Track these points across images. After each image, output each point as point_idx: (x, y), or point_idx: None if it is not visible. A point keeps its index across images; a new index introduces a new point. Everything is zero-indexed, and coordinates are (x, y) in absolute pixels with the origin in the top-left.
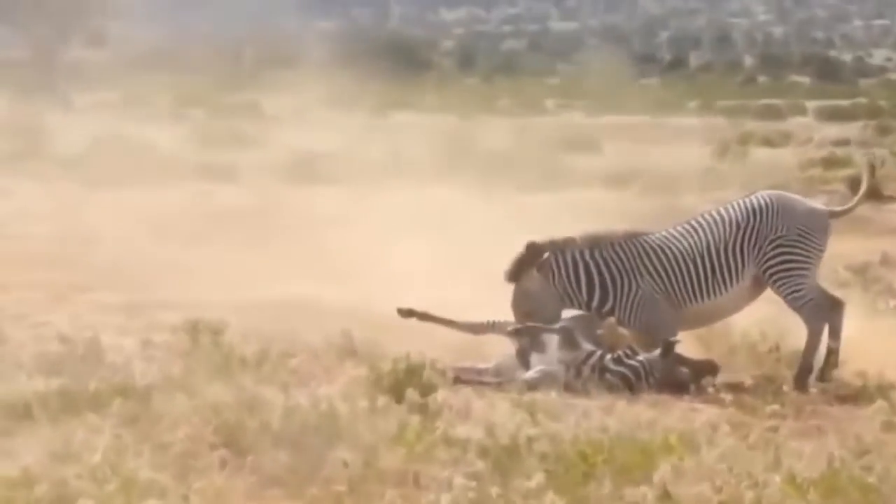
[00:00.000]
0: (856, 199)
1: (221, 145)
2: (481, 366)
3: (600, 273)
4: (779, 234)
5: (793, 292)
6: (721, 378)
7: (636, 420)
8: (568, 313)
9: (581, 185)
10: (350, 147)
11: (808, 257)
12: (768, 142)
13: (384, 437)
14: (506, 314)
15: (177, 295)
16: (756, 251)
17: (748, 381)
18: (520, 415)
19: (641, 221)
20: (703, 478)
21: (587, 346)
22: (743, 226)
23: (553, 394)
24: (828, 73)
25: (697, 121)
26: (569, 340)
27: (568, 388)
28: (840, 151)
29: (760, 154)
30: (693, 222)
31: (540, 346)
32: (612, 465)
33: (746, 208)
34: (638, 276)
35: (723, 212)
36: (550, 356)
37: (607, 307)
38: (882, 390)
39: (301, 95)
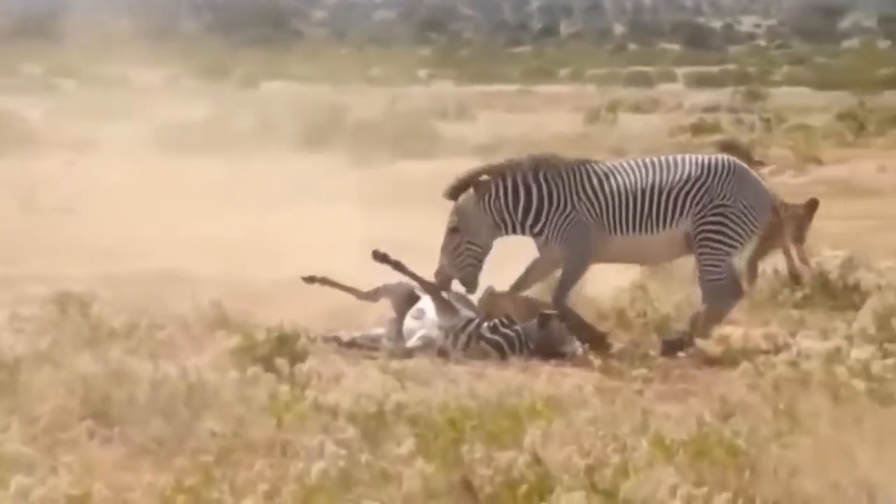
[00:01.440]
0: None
1: (92, 117)
2: (375, 331)
3: (539, 194)
4: (724, 200)
5: (710, 265)
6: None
7: (506, 385)
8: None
9: (454, 154)
10: (221, 117)
11: (742, 235)
12: (638, 108)
13: (254, 406)
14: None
15: (45, 267)
16: (698, 208)
17: (616, 346)
18: (389, 382)
19: None
20: (571, 441)
21: (466, 313)
22: (694, 178)
23: (423, 361)
24: (697, 40)
25: (568, 88)
26: (447, 307)
27: (441, 354)
28: (709, 117)
29: (630, 121)
30: (647, 160)
31: (419, 313)
32: (481, 431)
33: (703, 164)
34: (575, 199)
35: (680, 160)
36: (430, 322)
37: (538, 227)
38: (746, 353)
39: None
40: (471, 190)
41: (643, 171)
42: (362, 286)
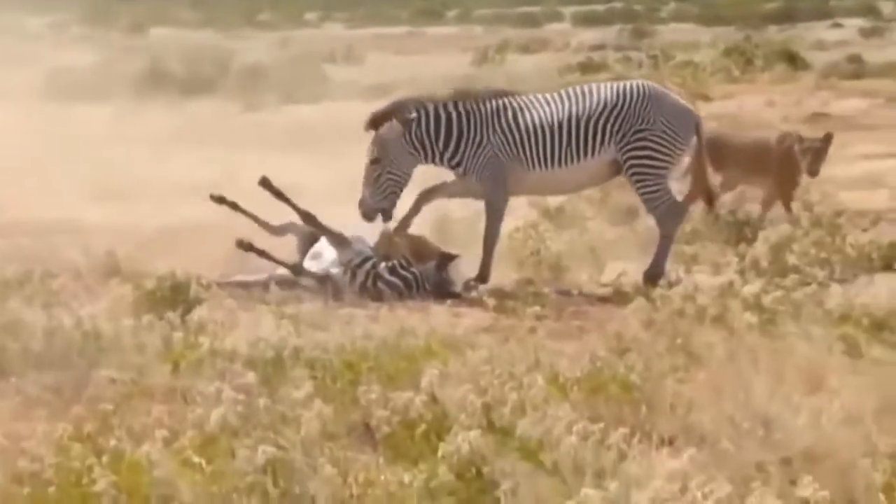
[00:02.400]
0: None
1: None
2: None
3: (459, 126)
4: (645, 125)
5: (650, 192)
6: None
7: (401, 327)
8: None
9: (344, 97)
10: (109, 64)
11: (670, 156)
12: (526, 49)
13: (150, 354)
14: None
15: None
16: (619, 136)
17: (510, 285)
18: (285, 326)
19: None
20: (467, 381)
21: (359, 248)
22: (610, 105)
23: (318, 304)
24: None
25: (456, 30)
26: (339, 239)
27: (336, 295)
28: (597, 56)
29: (519, 61)
30: (563, 92)
31: (316, 255)
32: (378, 372)
33: (618, 90)
34: (490, 133)
35: (594, 88)
36: (328, 262)
37: (456, 160)
38: (640, 289)
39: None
40: (392, 121)
41: (559, 102)
42: (253, 232)
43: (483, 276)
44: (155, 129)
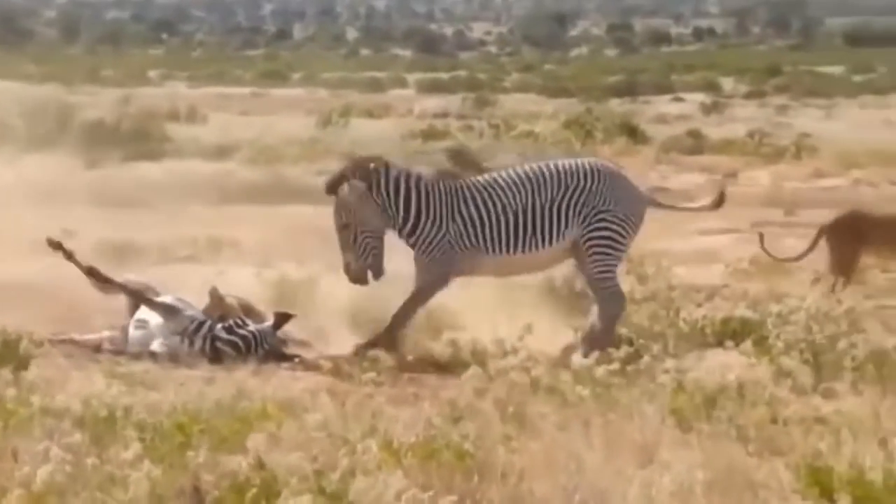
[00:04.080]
0: (697, 204)
1: None
2: (105, 334)
3: (418, 203)
4: (606, 207)
5: (604, 272)
6: (322, 347)
7: (237, 389)
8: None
9: (185, 156)
10: None
11: (625, 240)
12: (370, 113)
13: None
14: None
15: None
16: (581, 217)
17: (347, 350)
18: (117, 386)
19: (246, 191)
20: (300, 445)
21: (191, 313)
22: (573, 187)
23: (152, 365)
24: (429, 46)
25: (301, 92)
26: (171, 311)
27: (174, 358)
28: (439, 123)
29: (362, 125)
30: (521, 173)
31: (141, 323)
32: (210, 435)
33: (578, 171)
34: (449, 220)
35: (553, 169)
36: (157, 329)
37: (412, 240)
38: (476, 356)
39: None
40: (352, 182)
41: (521, 186)
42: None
43: (378, 342)
44: None
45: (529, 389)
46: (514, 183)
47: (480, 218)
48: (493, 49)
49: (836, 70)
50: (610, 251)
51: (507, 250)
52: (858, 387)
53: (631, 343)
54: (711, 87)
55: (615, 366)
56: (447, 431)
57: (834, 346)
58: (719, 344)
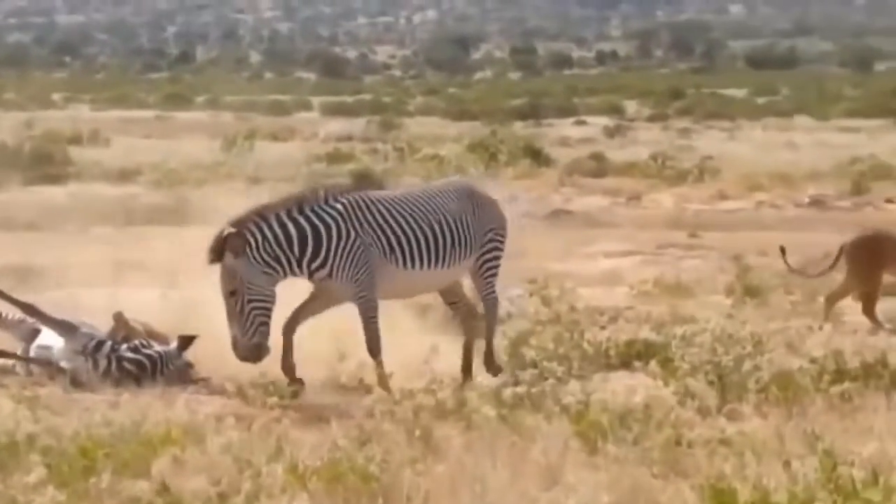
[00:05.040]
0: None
1: None
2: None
3: (314, 228)
4: (492, 225)
5: (491, 287)
6: (227, 371)
7: (141, 413)
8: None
9: (89, 179)
10: None
11: (502, 251)
12: (275, 137)
13: None
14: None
15: None
16: (479, 235)
17: (253, 372)
18: (21, 411)
19: (151, 214)
20: (204, 469)
21: (88, 331)
22: (472, 206)
23: (56, 389)
24: (333, 69)
25: (205, 115)
26: (68, 328)
27: (76, 383)
28: (344, 146)
29: (267, 149)
30: (428, 190)
31: (43, 350)
32: (114, 459)
33: (466, 190)
34: (358, 228)
35: (454, 188)
36: (60, 351)
37: (318, 262)
38: (382, 379)
39: None
40: (226, 260)
41: (434, 199)
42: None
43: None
44: None
45: (435, 412)
46: (421, 199)
47: (393, 229)
48: (397, 72)
49: (739, 93)
50: (495, 269)
51: (427, 264)
52: (763, 409)
53: (535, 365)
54: (614, 110)
55: (521, 388)
56: (353, 454)
57: (739, 368)
58: (624, 366)
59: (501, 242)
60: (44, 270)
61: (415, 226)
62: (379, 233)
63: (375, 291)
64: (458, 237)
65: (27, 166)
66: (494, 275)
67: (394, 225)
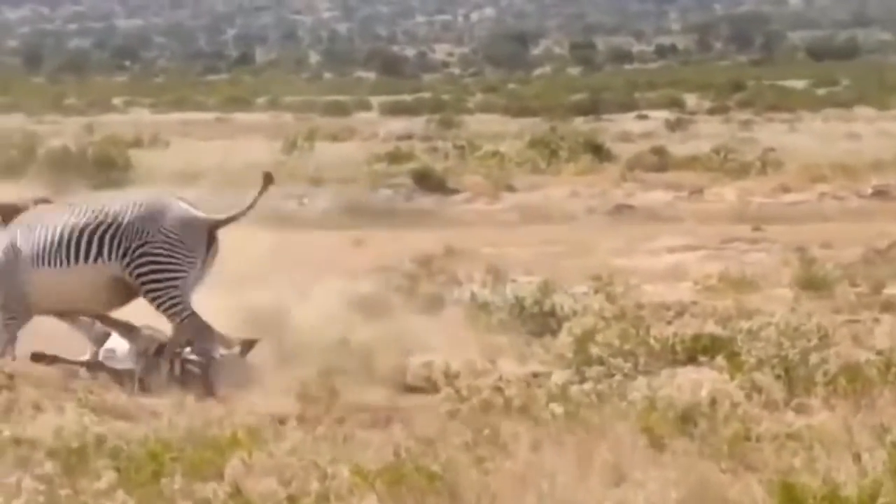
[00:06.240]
0: (244, 208)
1: None
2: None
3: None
4: (145, 239)
5: (171, 307)
6: (290, 373)
7: (206, 417)
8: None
9: (150, 183)
10: None
11: (179, 267)
12: (335, 137)
13: None
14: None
15: None
16: (119, 249)
17: (317, 375)
18: (87, 415)
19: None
20: (271, 471)
21: (149, 334)
22: (110, 218)
23: (122, 394)
24: (392, 68)
25: (265, 117)
26: (129, 330)
27: (142, 383)
28: (404, 146)
29: (327, 149)
30: (82, 205)
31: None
32: (182, 463)
33: (120, 208)
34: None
35: (106, 204)
36: (124, 355)
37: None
38: (448, 379)
39: None
40: None
41: (71, 212)
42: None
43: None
44: None
45: (502, 410)
46: (69, 211)
47: (33, 232)
48: (456, 70)
49: (800, 84)
50: (158, 283)
51: (47, 263)
52: (830, 402)
53: (602, 362)
54: (675, 103)
55: (588, 385)
56: (417, 454)
57: (806, 361)
58: (690, 361)
59: (160, 255)
60: None
61: (50, 231)
62: (26, 234)
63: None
64: (67, 242)
65: (89, 171)
66: (162, 293)
67: (37, 228)
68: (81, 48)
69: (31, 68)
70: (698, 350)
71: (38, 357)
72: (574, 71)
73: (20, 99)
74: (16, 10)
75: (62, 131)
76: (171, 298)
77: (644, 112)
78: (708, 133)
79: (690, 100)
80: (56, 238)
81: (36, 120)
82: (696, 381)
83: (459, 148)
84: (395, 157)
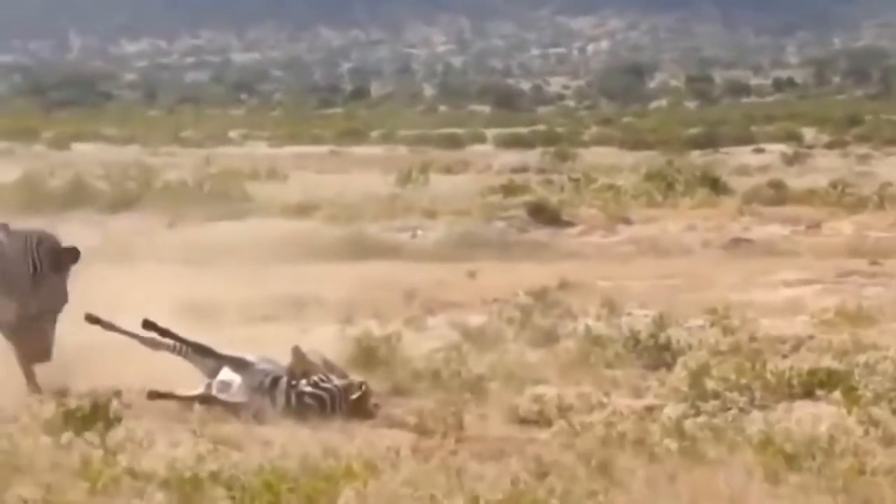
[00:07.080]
0: None
1: None
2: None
3: None
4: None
5: None
6: (405, 403)
7: (321, 447)
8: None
9: (267, 215)
10: (32, 179)
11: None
12: (449, 169)
13: (66, 472)
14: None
15: None
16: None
17: (430, 406)
18: (202, 446)
19: (328, 248)
20: (386, 502)
21: (264, 367)
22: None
23: (236, 424)
24: (506, 101)
25: (380, 150)
26: (242, 365)
27: (257, 416)
28: (519, 178)
29: (441, 182)
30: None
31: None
32: (297, 494)
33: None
34: None
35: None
36: (238, 388)
37: None
38: (562, 412)
39: None
40: None
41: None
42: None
43: None
44: (77, 244)
45: (616, 444)
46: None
47: None
48: (571, 103)
49: None
50: None
51: None
52: None
53: (717, 396)
54: (792, 137)
55: (703, 419)
56: (533, 487)
57: None
58: (807, 395)
59: None
60: (224, 306)
61: None
62: None
63: None
64: None
65: (207, 203)
66: None
67: None
68: (198, 81)
69: (149, 101)
70: (814, 384)
71: (153, 395)
72: (690, 104)
73: (137, 131)
74: (134, 44)
75: (179, 164)
76: None
77: (761, 146)
78: (825, 167)
79: (808, 133)
80: None
81: (153, 152)
82: (814, 416)
83: (574, 180)
84: (509, 190)
